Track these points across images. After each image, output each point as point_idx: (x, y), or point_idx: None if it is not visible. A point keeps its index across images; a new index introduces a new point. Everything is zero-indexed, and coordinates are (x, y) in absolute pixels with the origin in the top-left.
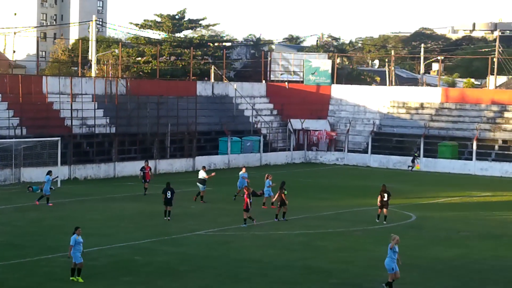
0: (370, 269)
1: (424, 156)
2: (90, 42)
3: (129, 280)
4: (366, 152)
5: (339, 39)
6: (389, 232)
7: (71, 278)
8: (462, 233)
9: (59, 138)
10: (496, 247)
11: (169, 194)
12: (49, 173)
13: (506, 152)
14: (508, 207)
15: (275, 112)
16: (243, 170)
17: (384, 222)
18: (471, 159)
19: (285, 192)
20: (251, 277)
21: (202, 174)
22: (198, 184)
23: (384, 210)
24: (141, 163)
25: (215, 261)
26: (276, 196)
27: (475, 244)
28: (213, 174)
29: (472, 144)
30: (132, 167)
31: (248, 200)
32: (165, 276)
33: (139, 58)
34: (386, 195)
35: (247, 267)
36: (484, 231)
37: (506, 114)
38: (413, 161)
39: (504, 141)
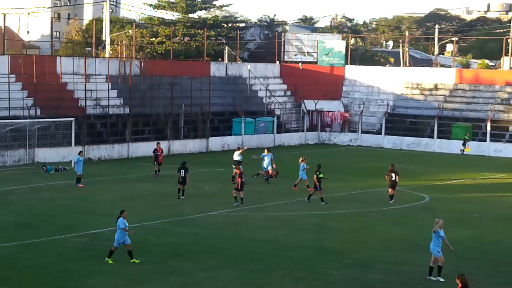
0: (383, 250)
1: (438, 137)
2: (104, 22)
3: (142, 260)
4: (380, 133)
5: (353, 20)
6: (403, 213)
7: (132, 260)
8: (475, 214)
9: (73, 118)
10: (510, 228)
11: (182, 173)
12: (80, 153)
13: None
14: None
15: (288, 93)
16: (266, 151)
17: (391, 202)
18: (485, 141)
19: (320, 176)
20: (264, 257)
21: (236, 155)
22: (233, 166)
23: (393, 190)
24: (155, 144)
25: (227, 241)
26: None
27: (488, 225)
28: (245, 147)
29: (486, 126)
30: (146, 148)
31: (240, 180)
32: (178, 256)
33: (153, 39)
34: (393, 175)
35: (260, 247)
36: (497, 213)
37: None
38: (464, 144)
39: None
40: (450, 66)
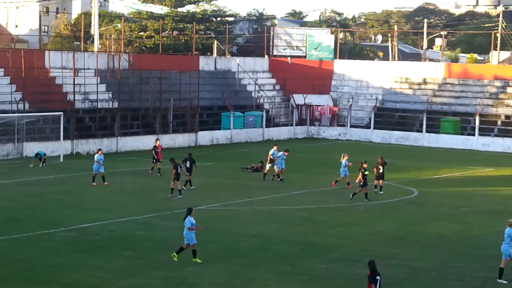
0: (370, 245)
1: (427, 132)
2: (92, 16)
3: (129, 254)
4: (369, 128)
5: (342, 14)
6: (391, 207)
7: (194, 259)
8: (463, 208)
9: (62, 113)
10: (496, 222)
11: (188, 164)
12: (99, 151)
13: (508, 128)
14: (510, 183)
15: (277, 87)
16: (286, 153)
17: (381, 192)
18: (473, 135)
19: (366, 173)
20: (251, 251)
21: (273, 152)
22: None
23: (380, 181)
24: (144, 138)
25: (216, 235)
26: (359, 177)
27: (475, 219)
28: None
29: (474, 120)
30: (135, 142)
31: (175, 171)
32: (166, 250)
33: (142, 33)
34: (381, 167)
35: (248, 241)
36: (485, 207)
37: (509, 90)
38: None
39: (507, 117)
40: (438, 61)
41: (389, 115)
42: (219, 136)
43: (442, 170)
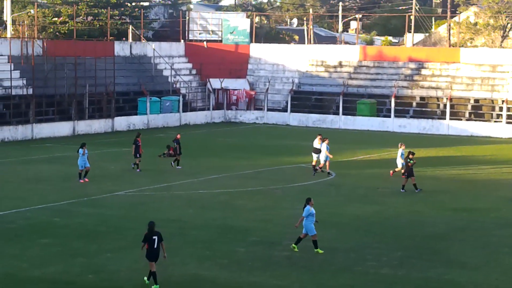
0: (288, 227)
1: (343, 114)
2: (4, 2)
3: (47, 242)
4: (286, 111)
5: None
6: (309, 190)
7: (316, 250)
8: (380, 189)
9: None
10: (412, 203)
11: (175, 144)
12: (83, 146)
13: (423, 109)
14: (425, 163)
15: (194, 71)
16: (320, 139)
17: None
18: (389, 117)
19: (411, 162)
20: (170, 237)
21: (316, 144)
22: (312, 153)
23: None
24: (60, 125)
25: (133, 221)
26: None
27: (392, 200)
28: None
29: (390, 102)
30: (50, 129)
31: None
32: (83, 237)
33: (56, 19)
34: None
35: (166, 227)
36: (400, 188)
37: (423, 72)
38: None
39: (422, 98)
40: (354, 43)
41: (306, 98)
42: (136, 121)
43: (359, 152)
